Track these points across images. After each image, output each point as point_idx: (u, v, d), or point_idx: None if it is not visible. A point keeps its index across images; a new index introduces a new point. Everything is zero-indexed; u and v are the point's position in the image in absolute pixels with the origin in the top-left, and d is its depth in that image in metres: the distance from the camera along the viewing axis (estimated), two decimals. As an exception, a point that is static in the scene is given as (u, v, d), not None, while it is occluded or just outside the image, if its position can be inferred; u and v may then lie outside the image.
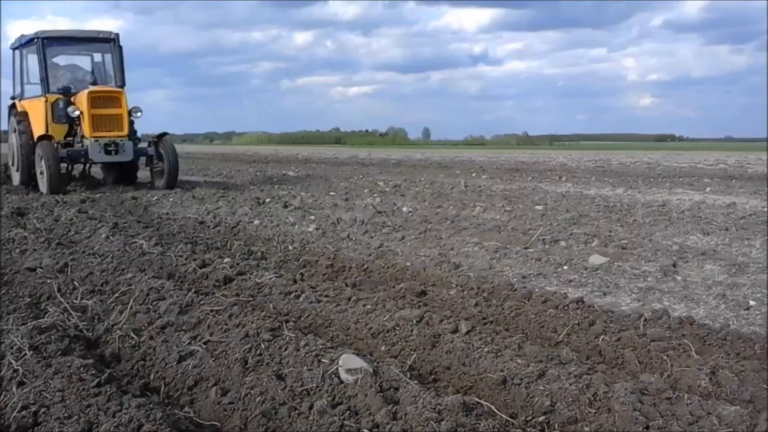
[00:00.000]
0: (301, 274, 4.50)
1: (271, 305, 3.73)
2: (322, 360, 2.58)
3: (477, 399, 2.39)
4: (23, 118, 12.34)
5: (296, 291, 3.88)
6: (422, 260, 5.24)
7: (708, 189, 11.93)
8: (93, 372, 2.55)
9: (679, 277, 4.69)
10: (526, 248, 5.75)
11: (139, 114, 12.09)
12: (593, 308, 3.71)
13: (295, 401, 2.35)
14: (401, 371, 2.51)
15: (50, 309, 3.48)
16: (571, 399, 2.39)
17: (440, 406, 2.21)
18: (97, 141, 11.29)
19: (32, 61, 12.66)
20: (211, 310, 3.27)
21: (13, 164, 12.99)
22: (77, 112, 11.40)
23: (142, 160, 12.43)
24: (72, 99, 11.79)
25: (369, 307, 3.49)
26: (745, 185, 12.56)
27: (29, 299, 3.77)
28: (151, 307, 3.46)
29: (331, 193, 10.94)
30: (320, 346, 2.72)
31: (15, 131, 12.74)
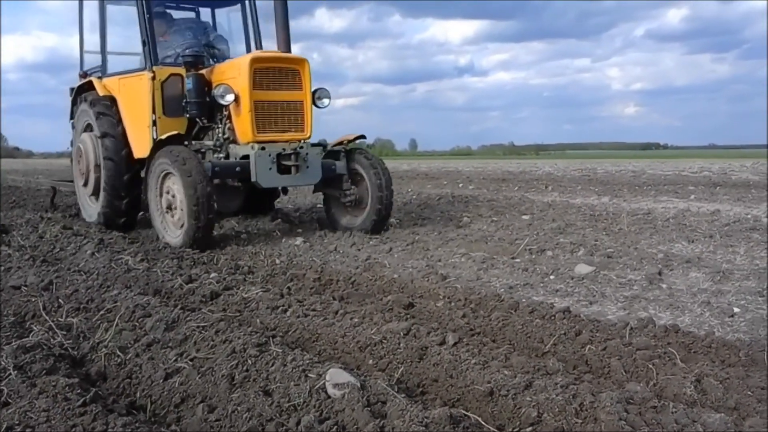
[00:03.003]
0: (288, 288, 4.49)
1: (258, 320, 3.72)
2: (309, 375, 2.58)
3: (464, 411, 2.39)
4: (106, 108, 7.69)
5: (283, 305, 3.87)
6: (410, 272, 5.24)
7: (692, 197, 12.03)
8: (78, 391, 2.53)
9: (664, 285, 4.72)
10: (513, 258, 5.77)
11: (326, 102, 7.33)
12: (580, 318, 3.72)
13: (283, 417, 2.35)
14: (388, 385, 2.51)
15: (35, 328, 3.46)
16: (557, 409, 2.40)
17: (427, 419, 2.21)
18: (263, 149, 6.64)
19: (122, 13, 8.23)
20: (198, 327, 3.26)
21: (85, 184, 8.15)
22: (231, 96, 6.76)
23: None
24: (206, 73, 7.27)
25: (356, 320, 3.49)
26: (729, 192, 12.67)
27: (14, 318, 3.74)
28: (137, 324, 3.45)
29: (319, 205, 10.94)
30: (307, 361, 2.72)
31: (89, 129, 8.07)
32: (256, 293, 4.14)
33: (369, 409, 2.30)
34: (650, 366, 2.91)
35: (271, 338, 3.04)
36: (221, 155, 7.04)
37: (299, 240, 6.93)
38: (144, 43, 7.35)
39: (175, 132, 6.86)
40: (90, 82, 8.15)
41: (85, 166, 8.07)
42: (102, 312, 3.70)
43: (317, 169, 7.01)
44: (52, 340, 3.26)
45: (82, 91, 8.35)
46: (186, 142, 7.08)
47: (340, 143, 7.46)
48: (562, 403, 2.41)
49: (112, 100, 7.78)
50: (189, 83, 7.12)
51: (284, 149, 6.80)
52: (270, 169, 6.68)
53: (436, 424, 2.19)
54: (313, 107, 7.18)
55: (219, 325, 3.26)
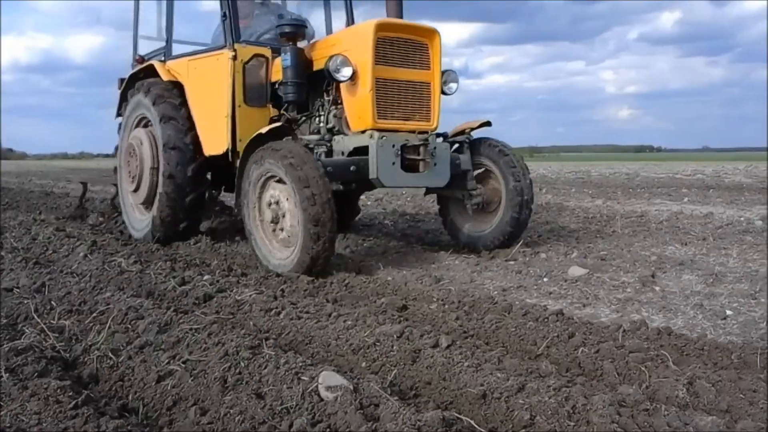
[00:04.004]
0: (282, 290, 4.49)
1: (251, 323, 3.71)
2: (302, 378, 2.57)
3: (457, 414, 2.39)
4: (166, 92, 6.52)
5: (276, 308, 3.87)
6: (403, 274, 5.24)
7: (686, 199, 12.08)
8: (70, 394, 2.52)
9: (657, 288, 4.73)
10: (506, 260, 5.78)
11: (454, 87, 6.01)
12: (573, 320, 3.73)
13: (275, 420, 2.34)
14: (381, 387, 2.51)
15: (27, 330, 3.44)
16: (550, 412, 2.40)
17: (420, 422, 2.21)
18: (383, 137, 5.39)
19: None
20: (191, 329, 3.25)
21: (136, 190, 6.87)
22: (348, 70, 5.41)
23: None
24: (306, 50, 6.07)
25: (350, 322, 3.49)
26: (722, 195, 12.73)
27: (6, 320, 3.72)
28: (129, 326, 3.43)
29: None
30: (300, 364, 2.71)
31: (143, 125, 6.89)
32: (250, 295, 4.14)
33: (362, 411, 2.29)
34: (643, 368, 2.92)
35: (264, 341, 3.04)
36: (320, 150, 5.67)
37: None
38: (224, 17, 6.07)
39: (280, 123, 5.75)
40: (147, 69, 6.92)
41: (137, 168, 6.80)
42: (94, 314, 3.68)
43: (446, 166, 5.71)
44: (44, 342, 3.25)
45: (135, 81, 7.03)
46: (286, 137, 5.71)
47: (461, 132, 6.08)
48: (555, 406, 2.41)
49: (177, 87, 6.61)
50: (287, 59, 5.81)
51: (408, 140, 5.48)
52: (393, 164, 5.36)
53: (428, 426, 2.19)
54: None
55: (212, 328, 3.26)
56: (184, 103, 6.52)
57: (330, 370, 2.60)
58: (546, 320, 3.70)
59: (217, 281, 4.59)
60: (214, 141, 6.24)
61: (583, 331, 3.48)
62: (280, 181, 5.12)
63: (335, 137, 5.77)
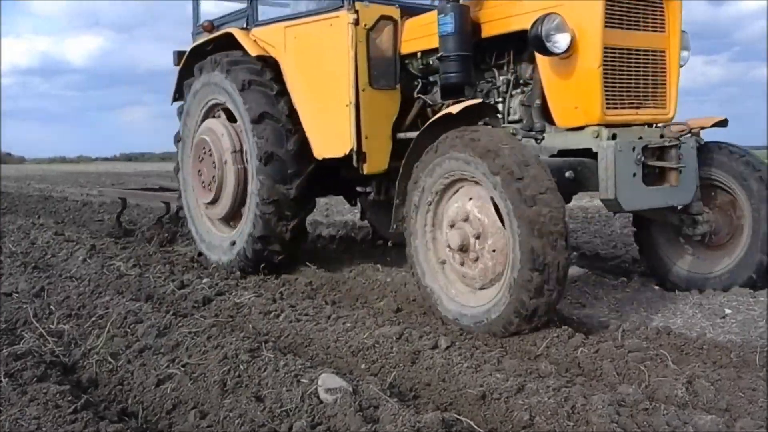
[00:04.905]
0: (281, 293, 4.48)
1: (250, 325, 3.72)
2: (302, 380, 2.58)
3: (456, 415, 2.39)
4: (257, 74, 4.91)
5: (276, 310, 3.87)
6: (402, 276, 5.23)
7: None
8: (70, 398, 2.53)
9: (656, 287, 4.73)
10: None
11: (686, 55, 4.23)
12: (572, 320, 3.73)
13: (275, 423, 2.35)
14: (381, 389, 2.51)
15: (26, 335, 3.45)
16: (550, 412, 2.40)
17: (420, 423, 2.21)
18: (616, 137, 3.76)
19: None
20: (190, 332, 3.26)
21: (213, 202, 5.30)
22: (565, 38, 3.70)
23: None
24: (472, 6, 4.25)
25: (349, 324, 3.49)
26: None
27: (5, 325, 3.73)
28: (128, 330, 3.44)
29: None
30: (300, 366, 2.72)
31: (215, 114, 5.39)
32: (249, 298, 4.14)
33: (361, 413, 2.30)
34: (642, 368, 2.92)
35: (263, 343, 3.05)
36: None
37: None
38: None
39: (477, 100, 3.91)
40: (221, 39, 5.23)
41: (214, 176, 5.18)
42: (93, 318, 3.69)
43: (693, 174, 4.10)
44: (43, 347, 3.25)
45: (203, 55, 5.38)
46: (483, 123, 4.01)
47: (687, 131, 4.07)
48: (554, 406, 2.42)
49: (269, 65, 4.97)
50: (448, 22, 4.06)
51: (650, 140, 3.87)
52: (634, 175, 3.76)
53: (428, 428, 2.19)
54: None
55: (211, 331, 3.26)
56: (282, 91, 4.89)
57: (329, 372, 2.61)
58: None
59: (216, 284, 4.59)
60: (330, 140, 4.70)
61: (582, 331, 3.48)
62: (471, 185, 3.59)
63: (560, 134, 4.09)
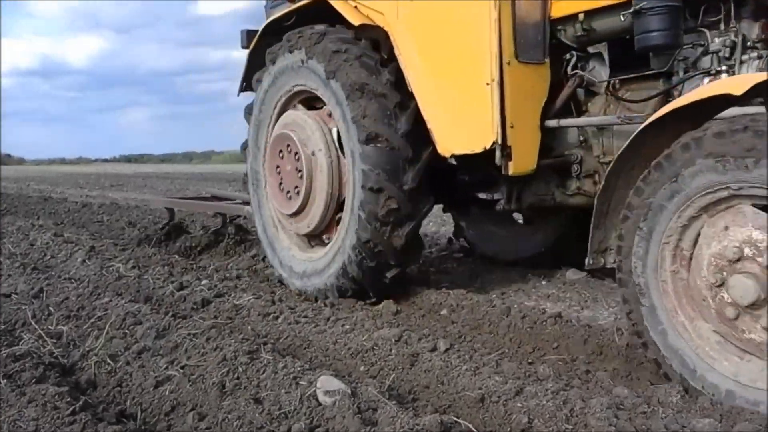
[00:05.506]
0: (280, 295, 4.48)
1: (249, 327, 3.72)
2: (300, 382, 2.58)
3: (455, 418, 2.39)
4: (367, 50, 3.97)
5: (275, 312, 3.87)
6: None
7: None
8: (68, 400, 2.52)
9: (655, 290, 4.72)
10: (506, 264, 5.77)
11: None
12: (571, 323, 3.73)
13: (273, 425, 2.34)
14: (379, 392, 2.51)
15: (25, 336, 3.44)
16: (548, 415, 2.40)
17: (418, 426, 2.21)
18: None
19: None
20: (189, 334, 3.25)
21: (297, 213, 4.34)
22: None
23: None
24: None
25: (348, 327, 3.49)
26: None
27: (4, 326, 3.72)
28: (127, 332, 3.43)
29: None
30: (298, 368, 2.72)
31: (294, 105, 4.47)
32: (248, 300, 4.14)
33: (360, 416, 2.30)
34: (641, 371, 2.92)
35: (262, 345, 3.04)
36: None
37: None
38: None
39: (763, 75, 2.44)
40: (308, 9, 4.23)
41: (298, 181, 4.28)
42: (92, 320, 3.68)
43: None
44: (41, 348, 3.25)
45: (281, 31, 4.35)
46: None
47: None
48: (553, 409, 2.41)
49: (373, 41, 4.09)
50: None
51: None
52: None
53: (426, 430, 2.19)
54: None
55: (210, 333, 3.26)
56: (396, 71, 3.93)
57: (328, 375, 2.61)
58: (544, 323, 3.70)
59: (215, 286, 4.59)
60: (463, 131, 3.74)
61: (581, 334, 3.48)
62: (730, 205, 2.43)
63: None
